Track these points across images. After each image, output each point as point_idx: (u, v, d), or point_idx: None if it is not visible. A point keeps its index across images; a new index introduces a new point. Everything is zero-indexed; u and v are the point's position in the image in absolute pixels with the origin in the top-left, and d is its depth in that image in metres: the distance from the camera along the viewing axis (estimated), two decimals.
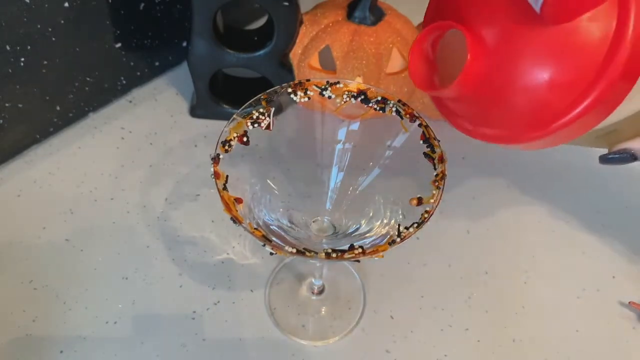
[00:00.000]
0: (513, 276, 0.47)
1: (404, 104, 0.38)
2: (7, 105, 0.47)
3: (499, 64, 0.28)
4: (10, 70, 0.46)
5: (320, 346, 0.43)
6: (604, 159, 0.35)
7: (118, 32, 0.51)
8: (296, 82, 0.38)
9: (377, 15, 0.50)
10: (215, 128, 0.55)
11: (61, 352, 0.41)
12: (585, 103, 0.26)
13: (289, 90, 0.38)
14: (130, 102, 0.57)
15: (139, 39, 0.54)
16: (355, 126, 0.39)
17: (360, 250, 0.32)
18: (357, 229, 0.38)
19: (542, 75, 0.27)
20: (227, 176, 0.35)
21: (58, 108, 0.52)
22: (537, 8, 0.26)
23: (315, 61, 0.52)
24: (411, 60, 0.32)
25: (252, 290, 0.45)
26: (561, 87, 0.27)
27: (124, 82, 0.56)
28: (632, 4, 0.25)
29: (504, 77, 0.29)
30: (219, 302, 0.44)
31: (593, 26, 0.26)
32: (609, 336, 0.45)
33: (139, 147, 0.54)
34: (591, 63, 0.26)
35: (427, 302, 0.45)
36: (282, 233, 0.37)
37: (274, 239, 0.34)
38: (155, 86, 0.59)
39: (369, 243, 0.35)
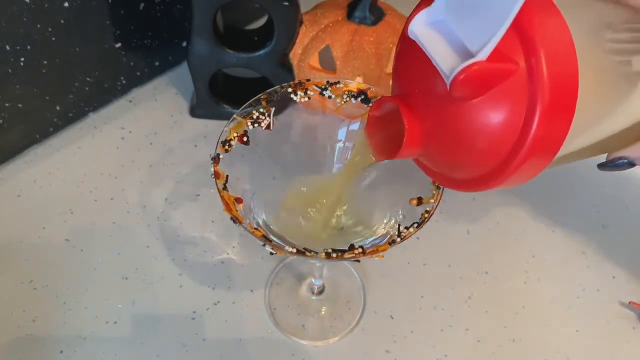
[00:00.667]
0: (513, 276, 0.47)
1: None
2: (7, 105, 0.47)
3: (430, 130, 0.29)
4: (10, 70, 0.46)
5: (320, 346, 0.43)
6: (602, 167, 0.35)
7: (118, 32, 0.51)
8: (296, 82, 0.38)
9: (377, 15, 0.50)
10: (215, 128, 0.55)
11: (61, 352, 0.41)
12: (528, 141, 0.26)
13: (289, 90, 0.38)
14: (130, 102, 0.57)
15: (139, 39, 0.54)
16: (355, 126, 0.40)
17: (360, 250, 0.32)
18: (357, 229, 0.38)
19: (465, 142, 0.28)
20: (227, 176, 0.35)
21: (58, 108, 0.52)
22: (447, 85, 0.25)
23: (315, 61, 0.52)
24: (368, 136, 0.33)
25: (252, 290, 0.45)
26: (483, 156, 0.27)
27: (124, 82, 0.56)
28: (540, 68, 0.25)
29: (438, 140, 0.29)
30: (219, 302, 0.44)
31: (508, 97, 0.26)
32: (609, 336, 0.45)
33: (139, 147, 0.54)
34: (507, 135, 0.26)
35: (427, 302, 0.45)
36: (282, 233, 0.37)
37: (274, 239, 0.34)
38: (155, 86, 0.59)
39: (369, 243, 0.35)
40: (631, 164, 0.33)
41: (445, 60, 0.26)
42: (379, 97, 0.32)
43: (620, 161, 0.33)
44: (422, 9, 0.27)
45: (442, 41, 0.26)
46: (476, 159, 0.28)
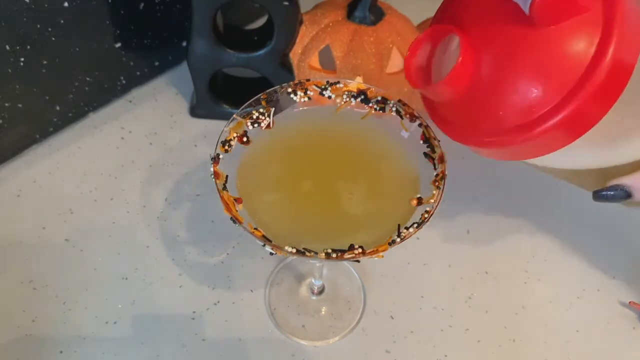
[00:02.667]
0: (513, 276, 0.47)
1: (404, 104, 0.38)
2: (7, 105, 0.47)
3: (487, 65, 0.29)
4: (10, 70, 0.46)
5: (320, 346, 0.43)
6: (597, 196, 0.35)
7: (118, 32, 0.51)
8: (296, 82, 0.38)
9: (377, 15, 0.50)
10: (215, 128, 0.55)
11: (61, 352, 0.41)
12: (565, 112, 0.27)
13: (289, 90, 0.38)
14: (130, 102, 0.57)
15: (139, 39, 0.54)
16: None
17: (360, 250, 0.32)
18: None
19: (526, 78, 0.28)
20: (227, 176, 0.35)
21: (58, 108, 0.52)
22: (525, 8, 0.26)
23: (315, 61, 0.52)
24: (407, 58, 0.33)
25: (252, 290, 0.45)
26: (544, 93, 0.27)
27: (124, 82, 0.56)
28: (616, 21, 0.25)
29: (491, 78, 0.29)
30: (219, 302, 0.44)
31: (578, 36, 0.26)
32: (609, 336, 0.45)
33: (139, 147, 0.54)
34: (573, 72, 0.26)
35: (427, 302, 0.45)
36: None
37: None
38: (155, 86, 0.59)
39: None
40: (628, 195, 0.32)
41: None
42: (430, 26, 0.33)
43: (618, 190, 0.33)
44: None
45: None
46: (524, 102, 0.28)
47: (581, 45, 0.26)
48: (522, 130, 0.28)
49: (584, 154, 0.32)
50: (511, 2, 0.27)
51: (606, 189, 0.33)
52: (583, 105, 0.26)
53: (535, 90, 0.27)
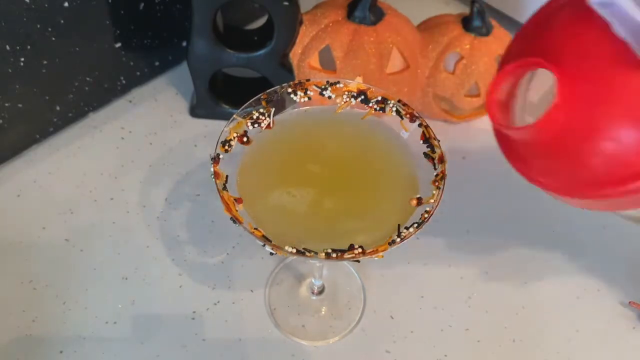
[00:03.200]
0: (513, 276, 0.47)
1: (404, 104, 0.38)
2: (7, 105, 0.47)
3: (584, 110, 0.26)
4: (10, 70, 0.46)
5: (320, 346, 0.43)
6: None
7: (118, 32, 0.51)
8: (296, 82, 0.38)
9: (377, 15, 0.50)
10: (215, 128, 0.55)
11: (61, 352, 0.41)
12: None
13: (289, 90, 0.38)
14: (130, 102, 0.57)
15: (139, 39, 0.54)
16: None
17: (360, 250, 0.32)
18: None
19: (628, 127, 0.25)
20: (227, 176, 0.35)
21: (58, 108, 0.52)
22: (638, 50, 0.24)
23: (315, 61, 0.52)
24: (489, 94, 0.30)
25: (252, 290, 0.45)
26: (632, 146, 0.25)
27: (124, 82, 0.56)
28: None
29: (588, 124, 0.26)
30: (219, 302, 0.44)
31: None
32: (609, 336, 0.45)
33: (139, 147, 0.54)
34: None
35: (427, 302, 0.45)
36: None
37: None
38: (155, 86, 0.59)
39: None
40: None
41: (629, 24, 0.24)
42: (515, 62, 0.29)
43: None
44: None
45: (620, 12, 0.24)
46: (625, 152, 0.25)
47: None
48: (619, 183, 0.26)
49: None
50: (618, 40, 0.24)
51: None
52: None
53: (636, 141, 0.25)
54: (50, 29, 0.46)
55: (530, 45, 0.30)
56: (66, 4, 0.46)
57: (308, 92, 0.39)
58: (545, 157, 0.29)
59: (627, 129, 0.25)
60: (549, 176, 0.29)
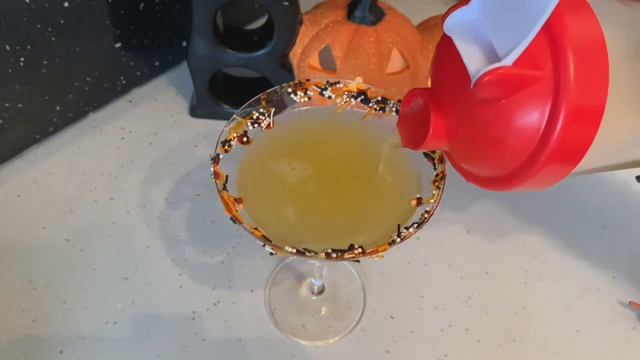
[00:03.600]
0: (513, 276, 0.47)
1: None
2: (7, 105, 0.47)
3: (455, 127, 0.29)
4: (10, 70, 0.46)
5: (320, 346, 0.43)
6: None
7: (118, 32, 0.51)
8: (296, 82, 0.38)
9: (377, 15, 0.50)
10: (215, 128, 0.55)
11: (61, 352, 0.41)
12: (526, 179, 0.27)
13: (289, 90, 0.38)
14: (130, 102, 0.57)
15: (139, 39, 0.54)
16: None
17: (360, 250, 0.32)
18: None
19: (488, 141, 0.28)
20: (227, 176, 0.35)
21: (58, 108, 0.52)
22: (471, 85, 0.25)
23: (315, 61, 0.52)
24: (399, 123, 0.34)
25: (252, 290, 0.45)
26: (505, 156, 0.27)
27: (124, 82, 0.56)
28: (567, 81, 0.24)
29: (463, 137, 0.30)
30: (219, 302, 0.44)
31: (529, 105, 0.25)
32: (609, 336, 0.45)
33: (139, 147, 0.54)
34: (528, 141, 0.26)
35: (427, 302, 0.45)
36: None
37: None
38: (155, 86, 0.59)
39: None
40: None
41: (472, 60, 0.26)
42: (405, 96, 0.33)
43: None
44: (460, 6, 0.27)
45: (473, 41, 0.26)
46: (498, 159, 0.28)
47: (535, 112, 0.25)
48: (511, 178, 0.28)
49: (625, 151, 0.31)
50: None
51: None
52: (562, 140, 0.25)
53: (501, 152, 0.28)
54: (50, 29, 0.46)
55: (431, 69, 0.33)
56: (66, 4, 0.46)
57: (308, 92, 0.39)
58: (459, 162, 0.32)
59: (488, 150, 0.28)
60: (473, 175, 0.31)
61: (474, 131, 0.28)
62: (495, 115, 0.27)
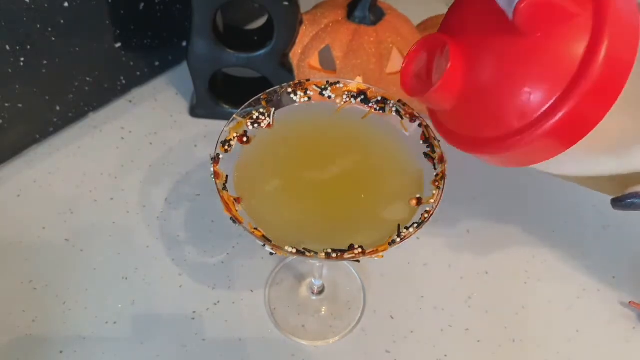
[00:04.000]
0: (513, 276, 0.47)
1: (404, 104, 0.38)
2: (7, 105, 0.47)
3: (477, 72, 0.29)
4: (10, 70, 0.46)
5: (320, 346, 0.43)
6: (617, 204, 0.34)
7: (118, 32, 0.51)
8: (296, 82, 0.38)
9: (377, 15, 0.50)
10: (215, 128, 0.55)
11: (61, 352, 0.41)
12: (557, 117, 0.26)
13: (289, 90, 0.38)
14: (130, 102, 0.57)
15: (139, 39, 0.54)
16: None
17: (360, 250, 0.31)
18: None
19: (517, 84, 0.28)
20: (227, 176, 0.35)
21: (58, 108, 0.52)
22: (509, 15, 0.25)
23: (315, 61, 0.52)
24: (403, 69, 0.33)
25: (252, 290, 0.45)
26: (535, 98, 0.27)
27: (124, 82, 0.56)
28: (607, 24, 0.25)
29: (482, 84, 0.29)
30: (219, 302, 0.44)
31: (569, 40, 0.26)
32: (609, 336, 0.45)
33: (139, 147, 0.54)
34: (563, 77, 0.26)
35: (427, 302, 0.45)
36: None
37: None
38: (155, 86, 0.59)
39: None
40: None
41: None
42: (424, 36, 0.33)
43: (638, 198, 0.32)
44: None
45: None
46: (516, 106, 0.28)
47: (572, 48, 0.26)
48: (518, 135, 0.28)
49: (600, 161, 0.32)
50: (500, 10, 0.27)
51: (625, 196, 0.32)
52: (579, 106, 0.26)
53: (527, 96, 0.27)
54: (50, 29, 0.46)
55: (443, 24, 0.33)
56: (66, 4, 0.46)
57: (308, 92, 0.39)
58: (454, 118, 0.32)
59: (515, 86, 0.28)
60: (461, 135, 0.31)
61: (495, 73, 0.28)
62: (525, 52, 0.26)
